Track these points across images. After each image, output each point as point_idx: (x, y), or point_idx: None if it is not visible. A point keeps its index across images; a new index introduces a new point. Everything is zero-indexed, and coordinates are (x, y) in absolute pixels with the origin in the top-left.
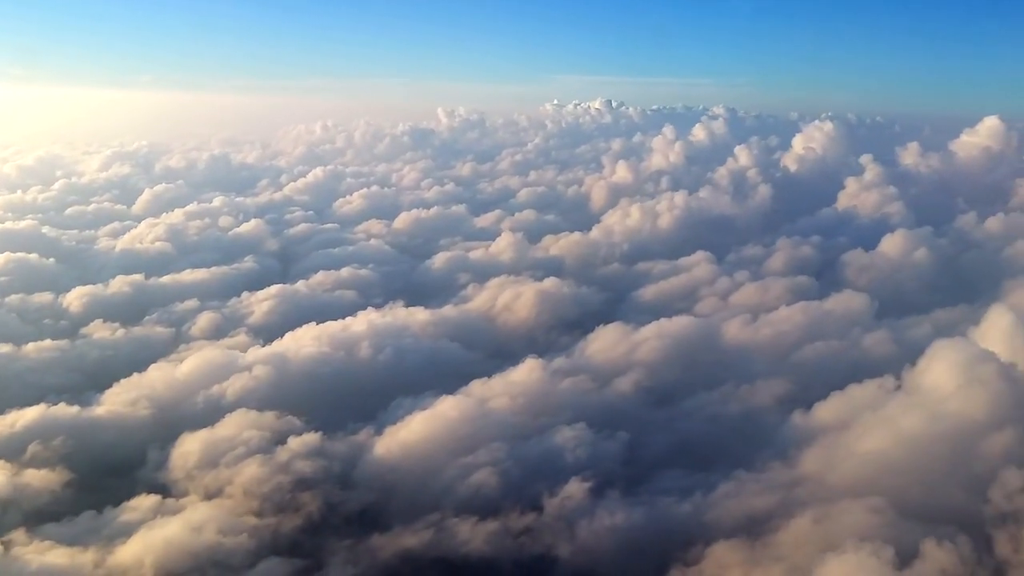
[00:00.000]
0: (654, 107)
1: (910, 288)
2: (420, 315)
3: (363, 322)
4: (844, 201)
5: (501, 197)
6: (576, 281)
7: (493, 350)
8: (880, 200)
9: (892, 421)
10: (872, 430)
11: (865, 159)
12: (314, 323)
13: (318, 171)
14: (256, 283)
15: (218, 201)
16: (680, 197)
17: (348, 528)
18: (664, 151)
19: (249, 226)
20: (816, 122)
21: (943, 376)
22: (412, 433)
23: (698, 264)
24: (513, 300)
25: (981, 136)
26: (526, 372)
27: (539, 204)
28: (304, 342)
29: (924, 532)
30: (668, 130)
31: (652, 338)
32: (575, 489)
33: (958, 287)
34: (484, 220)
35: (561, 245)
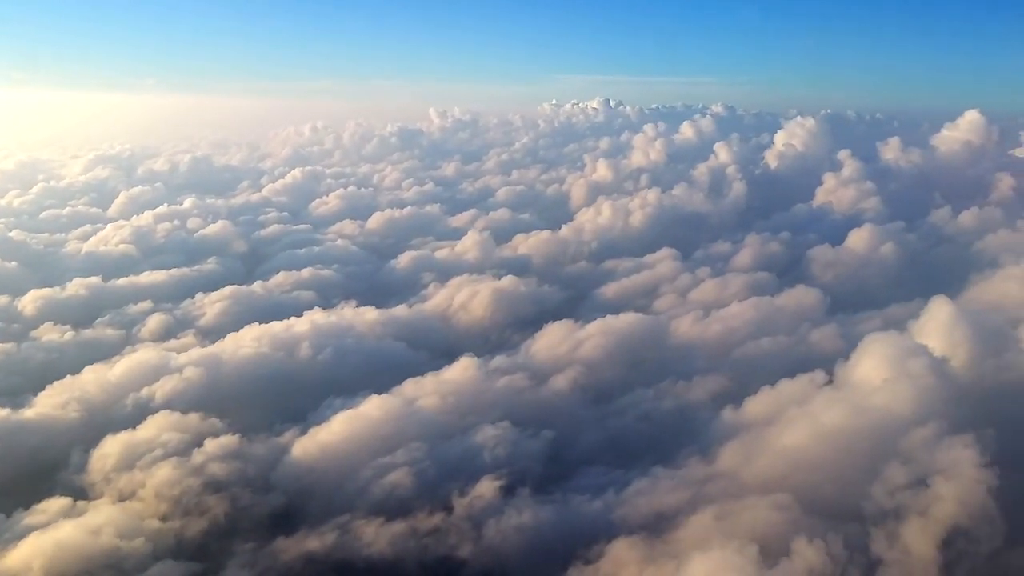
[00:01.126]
0: (653, 106)
1: (875, 283)
2: (369, 315)
3: (306, 322)
4: (821, 197)
5: (481, 197)
6: (540, 279)
7: (443, 349)
8: (857, 196)
9: (814, 416)
10: (793, 426)
11: (843, 155)
12: (257, 324)
13: (296, 172)
14: (216, 285)
15: (188, 203)
16: (653, 195)
17: (255, 531)
18: (645, 149)
19: (216, 228)
20: (799, 118)
21: (871, 371)
22: (332, 434)
23: (662, 261)
24: (469, 299)
25: (961, 130)
26: (460, 371)
27: (517, 203)
28: (243, 343)
29: (825, 529)
30: (649, 128)
31: (596, 335)
32: (485, 489)
33: (923, 282)
34: (459, 220)
35: (530, 244)
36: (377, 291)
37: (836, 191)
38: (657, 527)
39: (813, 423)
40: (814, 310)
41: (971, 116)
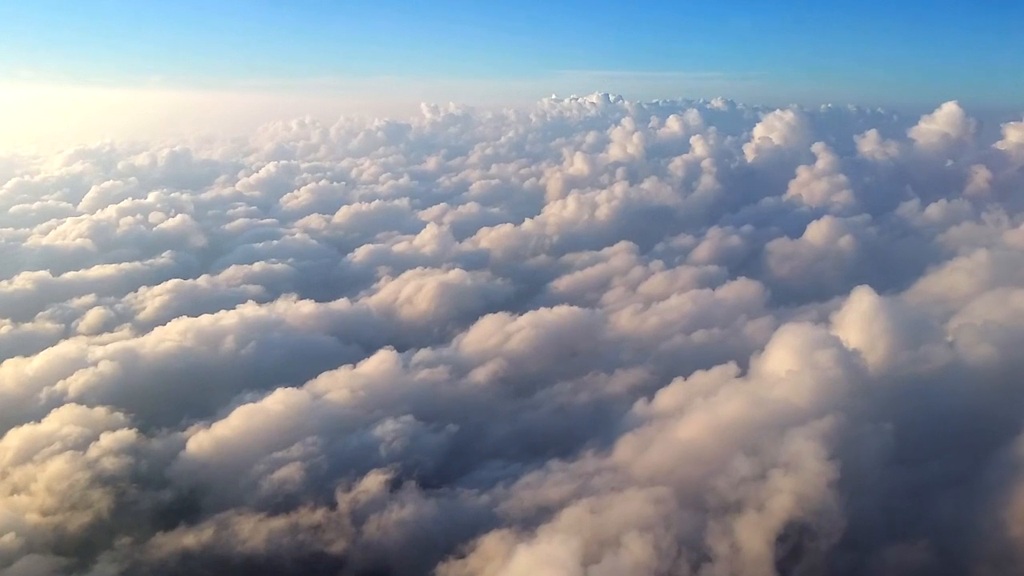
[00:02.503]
0: (654, 100)
1: (830, 276)
2: (304, 309)
3: (234, 316)
4: (794, 190)
5: (456, 191)
6: (494, 273)
7: (379, 343)
8: (829, 189)
9: (714, 409)
10: (692, 418)
11: (817, 148)
12: (186, 317)
13: (270, 167)
14: (165, 279)
15: (152, 197)
16: (620, 188)
17: (137, 527)
18: (623, 143)
19: (174, 222)
20: (778, 111)
21: (780, 362)
22: (230, 429)
23: (617, 255)
24: (414, 293)
25: (939, 123)
26: (375, 364)
27: (490, 197)
28: (168, 337)
29: (692, 522)
30: (627, 122)
31: (526, 328)
32: (371, 483)
33: (878, 274)
34: (428, 214)
35: (491, 237)
36: (331, 285)
37: (809, 184)
38: (535, 520)
39: (711, 416)
40: (753, 303)
41: (949, 108)
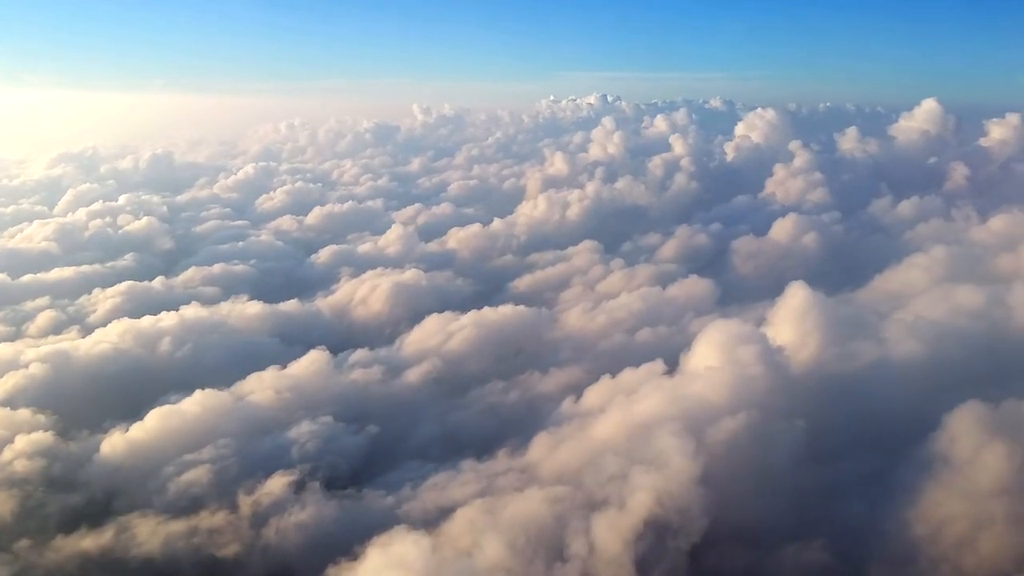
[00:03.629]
0: (653, 101)
1: (792, 274)
2: (251, 310)
3: (174, 318)
4: (771, 188)
5: (435, 192)
6: (456, 273)
7: (325, 344)
8: (804, 187)
9: (631, 406)
10: (608, 416)
11: (794, 146)
12: (127, 318)
13: (249, 168)
14: (125, 281)
15: (123, 199)
16: (593, 187)
17: (39, 530)
18: (603, 143)
19: (141, 224)
20: (759, 110)
21: (703, 359)
22: (145, 431)
23: (580, 254)
24: (369, 293)
25: (918, 120)
26: (305, 365)
27: (468, 198)
28: (107, 338)
29: (582, 522)
30: (607, 121)
31: (468, 327)
32: (275, 485)
33: (839, 271)
34: (402, 215)
35: (459, 238)
36: (293, 286)
37: (785, 182)
38: (435, 521)
39: (625, 414)
40: (703, 301)
41: (928, 105)
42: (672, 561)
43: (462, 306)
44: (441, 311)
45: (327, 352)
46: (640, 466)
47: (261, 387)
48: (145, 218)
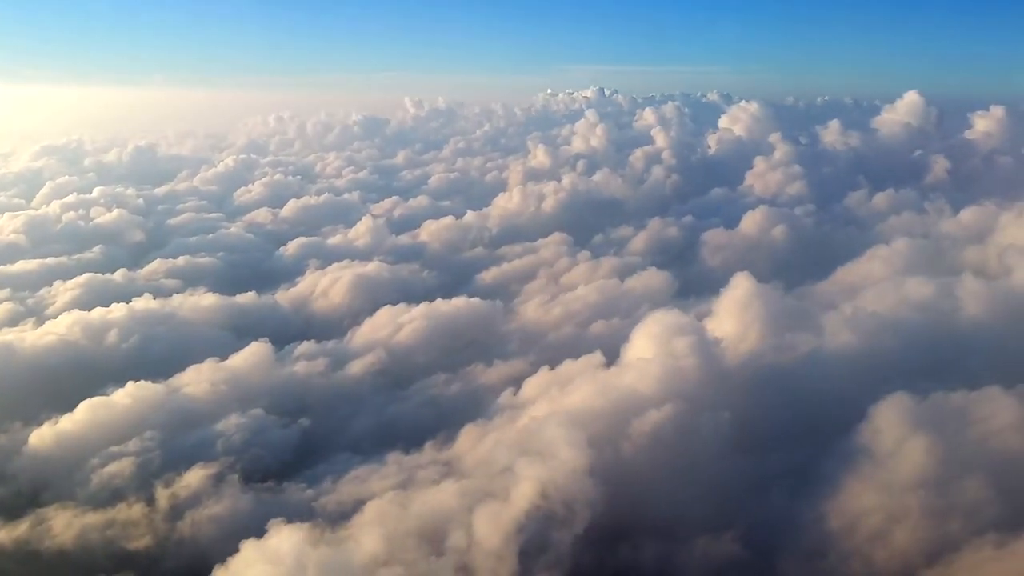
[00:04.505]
0: (651, 94)
1: (762, 266)
2: (204, 302)
3: (124, 309)
4: (750, 181)
5: (416, 184)
6: (423, 265)
7: (281, 336)
8: (783, 180)
9: (560, 399)
10: (537, 408)
11: (774, 139)
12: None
13: (228, 161)
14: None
15: (97, 192)
16: (569, 180)
17: None
18: (586, 136)
19: (112, 216)
20: (743, 103)
21: (639, 351)
22: (74, 423)
23: (549, 247)
24: (330, 285)
25: (900, 112)
26: (245, 357)
27: (447, 191)
28: (55, 330)
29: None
30: (591, 114)
31: (418, 319)
32: (193, 478)
33: (809, 263)
34: (380, 207)
35: (431, 230)
36: (259, 278)
37: (764, 175)
38: (348, 514)
39: (555, 406)
40: (660, 293)
41: (910, 98)
42: (556, 553)
43: (424, 298)
44: (402, 303)
45: (269, 344)
46: (527, 458)
47: (197, 379)
48: (116, 211)
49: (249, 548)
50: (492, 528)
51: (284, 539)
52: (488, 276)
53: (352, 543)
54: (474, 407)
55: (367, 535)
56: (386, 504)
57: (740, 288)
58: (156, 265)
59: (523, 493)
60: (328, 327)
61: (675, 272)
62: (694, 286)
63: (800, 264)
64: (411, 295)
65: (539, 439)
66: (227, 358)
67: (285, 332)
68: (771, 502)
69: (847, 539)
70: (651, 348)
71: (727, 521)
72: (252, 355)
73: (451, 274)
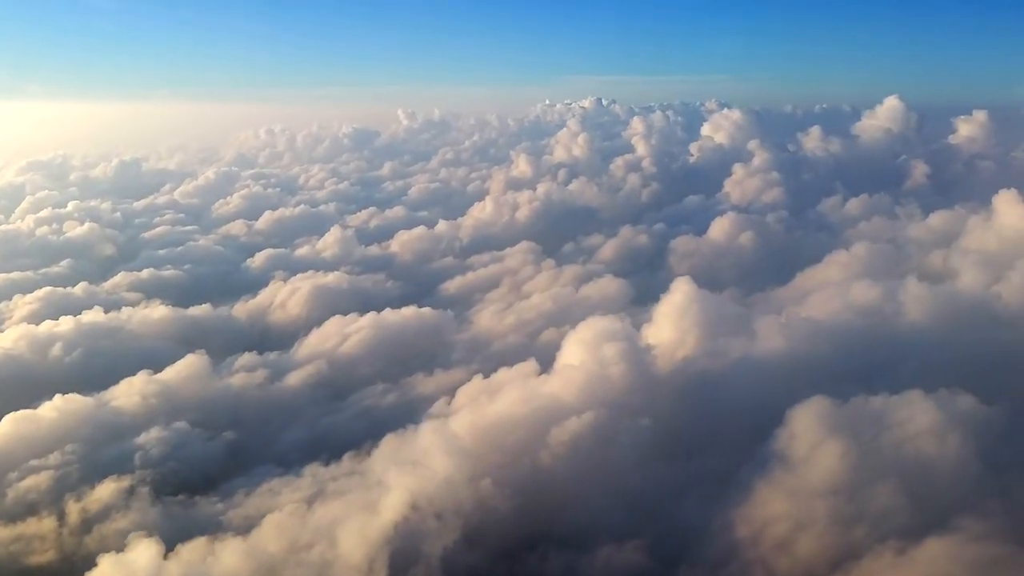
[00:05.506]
0: (650, 104)
1: (727, 273)
2: (156, 314)
3: (72, 323)
4: (728, 188)
5: (397, 195)
6: (390, 276)
7: (232, 348)
8: (761, 186)
9: (485, 407)
10: (459, 417)
11: (753, 145)
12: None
13: (209, 174)
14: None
15: (71, 206)
16: (544, 189)
17: None
18: (567, 145)
19: (83, 230)
20: (725, 111)
21: (569, 357)
22: None
23: (514, 255)
24: (288, 297)
25: (881, 118)
26: (179, 370)
27: (428, 201)
28: (3, 343)
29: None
30: (572, 123)
31: (365, 329)
32: (105, 492)
33: (774, 269)
34: (356, 218)
35: (402, 241)
36: (224, 290)
37: (742, 182)
38: (251, 527)
39: (477, 415)
40: (615, 301)
41: (890, 103)
42: (427, 565)
43: (383, 308)
44: (353, 314)
45: (205, 357)
46: (399, 468)
47: (129, 392)
48: (87, 224)
49: (106, 562)
50: (358, 541)
51: (141, 554)
52: (452, 286)
53: (225, 556)
54: (408, 417)
55: (251, 549)
56: (285, 518)
57: (680, 294)
58: (120, 278)
59: (391, 504)
60: (283, 338)
61: (641, 279)
62: (657, 293)
63: (766, 270)
64: (371, 305)
65: (418, 449)
66: (162, 370)
67: (238, 344)
68: (684, 510)
69: (752, 547)
70: (581, 355)
71: (637, 530)
72: (186, 367)
73: (416, 284)
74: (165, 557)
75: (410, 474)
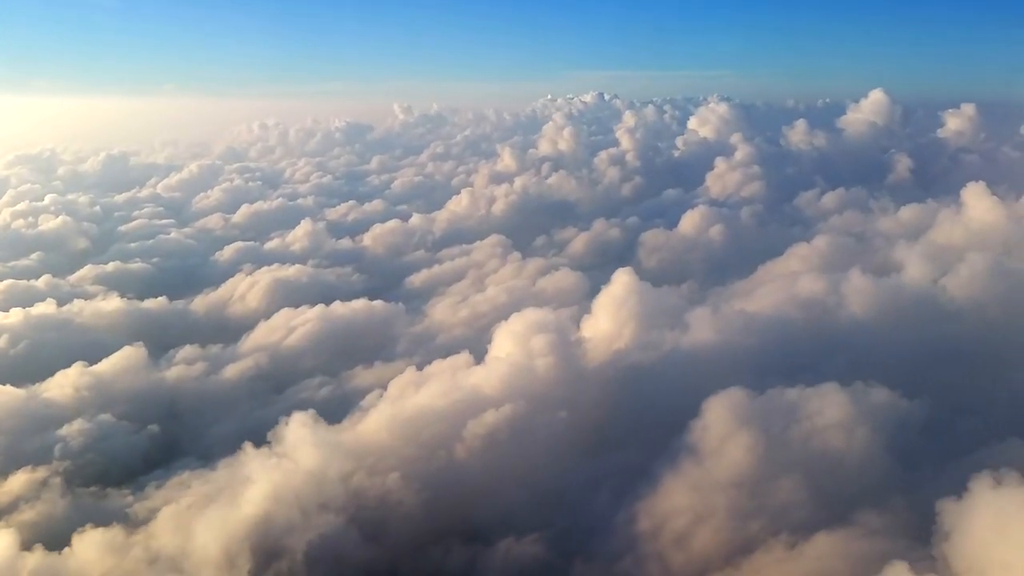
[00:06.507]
0: (655, 99)
1: (695, 266)
2: (108, 307)
3: (20, 315)
4: (709, 182)
5: (381, 189)
6: (355, 269)
7: (185, 341)
8: (742, 180)
9: (406, 400)
10: (379, 409)
11: (736, 139)
12: None
13: (193, 167)
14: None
15: (48, 199)
16: (521, 182)
17: None
18: (553, 139)
19: (56, 223)
20: (711, 104)
21: (497, 349)
22: None
23: (482, 249)
24: (247, 290)
25: (865, 111)
26: (114, 362)
27: (410, 195)
28: None
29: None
30: (558, 116)
31: (312, 322)
32: (17, 483)
33: (742, 262)
34: (334, 212)
35: (375, 234)
36: (190, 283)
37: (724, 176)
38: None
39: (396, 407)
40: (570, 294)
41: (875, 96)
42: (290, 559)
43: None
44: (304, 306)
45: (142, 349)
46: (262, 462)
47: (63, 384)
48: (60, 218)
49: None
50: (220, 535)
51: None
52: (418, 279)
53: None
54: (343, 409)
55: (128, 543)
56: (180, 511)
57: (619, 286)
58: (85, 271)
59: (250, 499)
60: (239, 331)
61: (607, 273)
62: None
63: (733, 263)
64: (331, 299)
65: (286, 442)
66: (98, 363)
67: (192, 337)
68: (594, 504)
69: (651, 541)
70: (510, 347)
71: (544, 523)
72: (122, 360)
73: (383, 277)
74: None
75: (274, 468)
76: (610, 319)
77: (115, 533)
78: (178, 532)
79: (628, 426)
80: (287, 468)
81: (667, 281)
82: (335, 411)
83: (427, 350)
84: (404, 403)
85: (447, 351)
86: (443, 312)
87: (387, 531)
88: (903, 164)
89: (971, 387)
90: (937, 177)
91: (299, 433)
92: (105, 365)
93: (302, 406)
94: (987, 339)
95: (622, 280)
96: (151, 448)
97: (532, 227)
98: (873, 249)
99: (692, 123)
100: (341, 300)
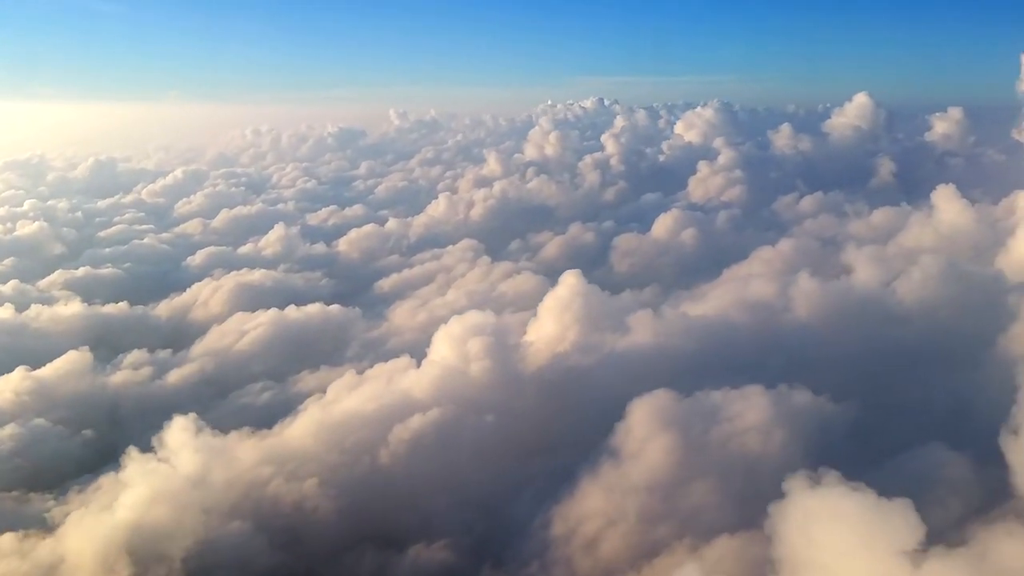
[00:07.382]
0: (655, 104)
1: (666, 270)
2: (67, 312)
3: None
4: (691, 186)
5: (365, 194)
6: (325, 273)
7: (139, 346)
8: (724, 184)
9: (339, 404)
10: (308, 414)
11: (719, 143)
12: None
13: (178, 173)
14: None
15: (27, 204)
16: (500, 187)
17: None
18: (539, 143)
19: (32, 228)
20: (699, 108)
21: (436, 353)
22: None
23: (453, 253)
24: (211, 295)
25: (850, 115)
26: (57, 367)
27: (393, 200)
28: None
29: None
30: (544, 121)
31: (264, 326)
32: None
33: (713, 265)
34: (315, 217)
35: (350, 239)
36: (161, 288)
37: (706, 180)
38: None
39: (324, 412)
40: (530, 298)
41: (859, 100)
42: (168, 566)
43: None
44: (259, 310)
45: (87, 353)
46: (137, 465)
47: (3, 389)
48: (36, 223)
49: None
50: (98, 540)
51: None
52: (388, 283)
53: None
54: (282, 414)
55: (27, 548)
56: (88, 516)
57: (565, 288)
58: (55, 277)
59: (129, 504)
60: (197, 336)
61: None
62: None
63: (703, 267)
64: (297, 303)
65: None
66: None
67: (150, 342)
68: (514, 508)
69: (563, 545)
70: (446, 350)
71: (462, 528)
72: (66, 365)
73: (353, 282)
74: None
75: (152, 474)
76: (554, 322)
77: (21, 538)
78: (79, 538)
79: (560, 429)
80: (165, 473)
81: (634, 285)
82: (275, 416)
83: (376, 354)
84: (334, 408)
85: (396, 355)
86: (402, 316)
87: (299, 538)
88: (886, 168)
89: (907, 390)
90: (921, 181)
91: (181, 438)
92: (48, 370)
93: (243, 411)
94: (933, 341)
95: (569, 283)
96: (85, 453)
97: (508, 231)
98: (838, 253)
99: (678, 127)
100: (302, 304)
